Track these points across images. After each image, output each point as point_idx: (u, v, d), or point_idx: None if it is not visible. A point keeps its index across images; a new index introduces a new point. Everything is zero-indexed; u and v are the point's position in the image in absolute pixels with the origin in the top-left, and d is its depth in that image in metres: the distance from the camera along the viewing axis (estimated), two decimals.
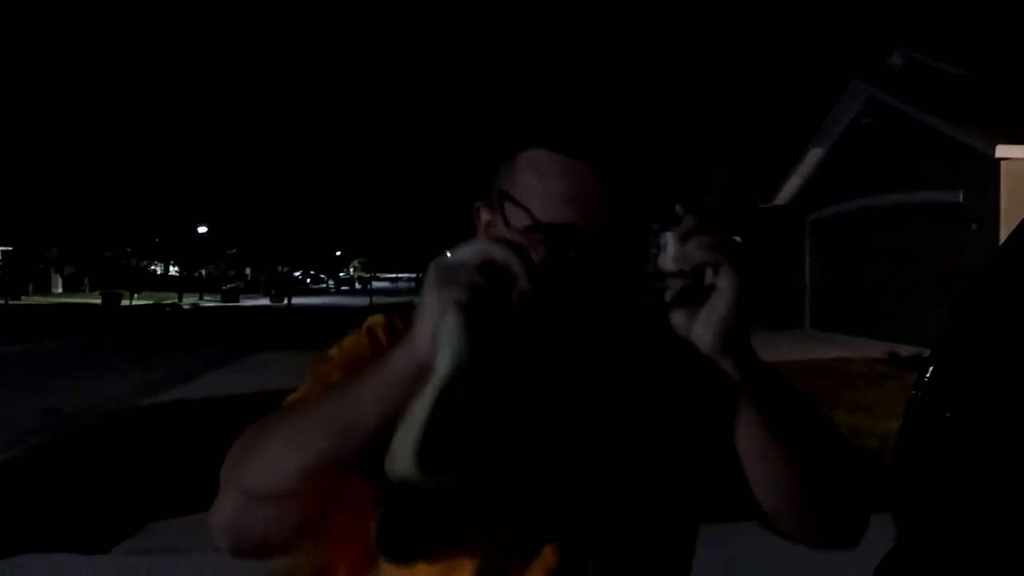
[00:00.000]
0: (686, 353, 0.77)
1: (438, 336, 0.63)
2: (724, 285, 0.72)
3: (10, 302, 35.99)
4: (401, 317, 0.88)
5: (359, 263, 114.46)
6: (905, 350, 10.24)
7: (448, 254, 0.68)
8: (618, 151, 0.82)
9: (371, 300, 38.59)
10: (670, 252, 0.75)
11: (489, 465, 0.65)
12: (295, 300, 40.86)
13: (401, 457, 0.60)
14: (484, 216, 0.88)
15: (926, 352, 1.68)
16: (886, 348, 10.97)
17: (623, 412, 0.85)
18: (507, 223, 0.82)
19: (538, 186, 0.80)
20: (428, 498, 0.61)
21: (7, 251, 43.50)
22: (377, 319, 0.89)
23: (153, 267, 60.19)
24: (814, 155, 15.79)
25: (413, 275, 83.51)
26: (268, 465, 0.71)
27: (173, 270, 59.02)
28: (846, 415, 6.68)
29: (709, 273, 0.73)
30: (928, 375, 1.51)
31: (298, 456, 0.69)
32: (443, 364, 0.62)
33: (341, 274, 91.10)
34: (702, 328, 0.73)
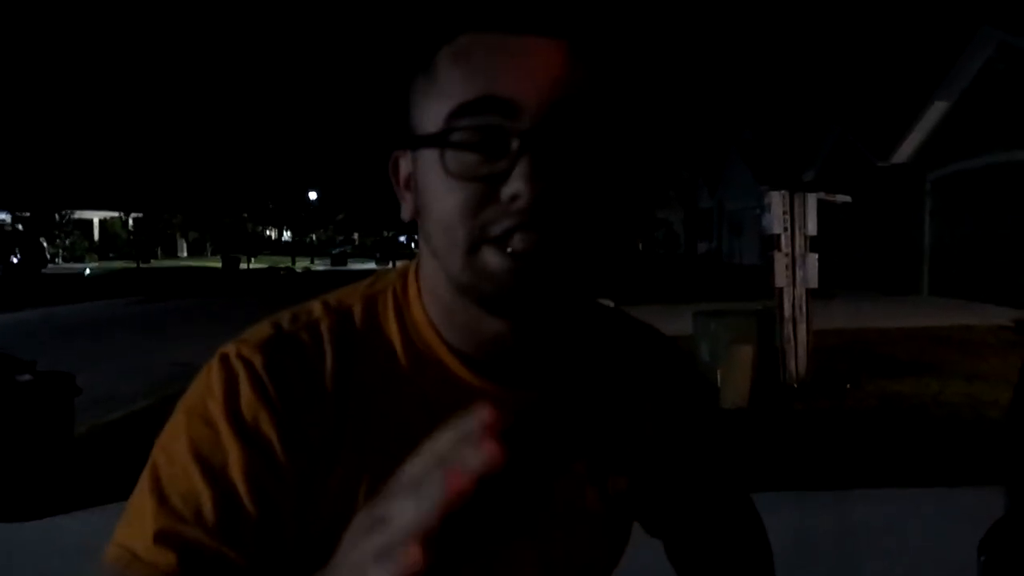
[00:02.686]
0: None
1: None
2: None
3: (141, 265, 38.68)
4: (259, 358, 0.60)
5: None
6: None
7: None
8: (562, 20, 0.59)
9: None
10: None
11: None
12: (400, 263, 42.04)
13: None
14: (404, 168, 0.63)
15: None
16: (1014, 315, 10.28)
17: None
18: (446, 167, 0.56)
19: (458, 69, 0.57)
20: None
21: (138, 217, 46.61)
22: (210, 385, 0.60)
23: (268, 232, 62.99)
24: (937, 108, 14.78)
25: None
26: None
27: (286, 235, 61.60)
28: (965, 385, 6.35)
29: None
30: None
31: None
32: None
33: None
34: None
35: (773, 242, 6.43)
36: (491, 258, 0.56)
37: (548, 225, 0.55)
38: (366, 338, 0.64)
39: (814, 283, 6.46)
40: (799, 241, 6.38)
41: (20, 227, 34.85)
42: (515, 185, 0.54)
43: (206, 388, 0.60)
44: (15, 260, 28.22)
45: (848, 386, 6.32)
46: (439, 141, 0.56)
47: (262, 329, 0.63)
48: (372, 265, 47.24)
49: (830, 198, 6.79)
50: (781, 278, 6.41)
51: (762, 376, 6.06)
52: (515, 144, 0.54)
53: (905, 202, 15.68)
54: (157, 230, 48.74)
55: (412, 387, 0.63)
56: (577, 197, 0.56)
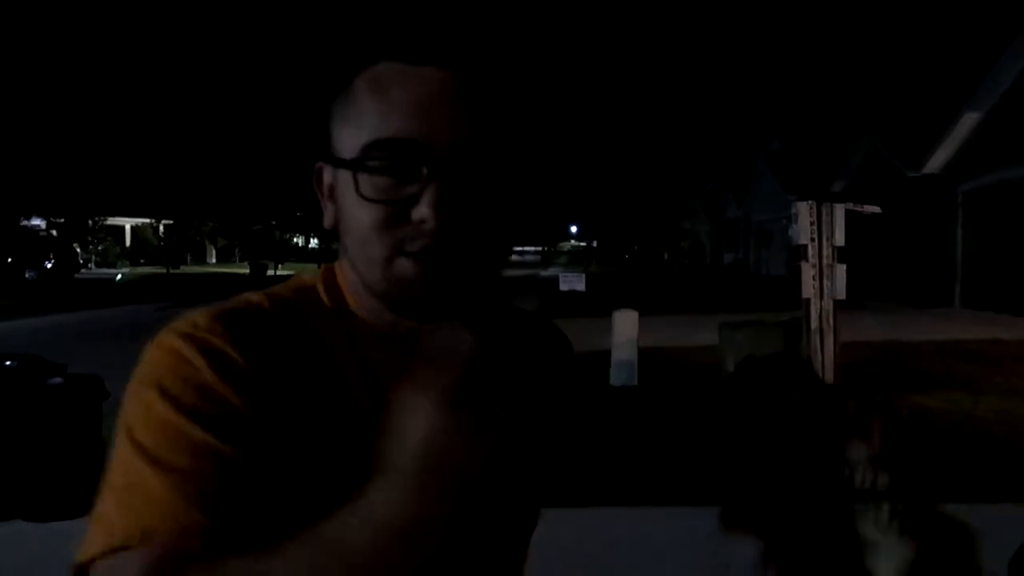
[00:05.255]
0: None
1: None
2: None
3: (171, 271, 39.27)
4: (216, 325, 0.63)
5: None
6: None
7: None
8: (473, 55, 0.65)
9: None
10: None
11: None
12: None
13: None
14: (326, 178, 0.71)
15: None
16: None
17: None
18: (357, 188, 0.63)
19: (375, 102, 0.64)
20: None
21: (168, 225, 47.33)
22: (175, 346, 0.62)
23: (295, 239, 63.65)
24: (969, 119, 14.55)
25: (539, 248, 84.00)
26: None
27: (313, 242, 62.20)
28: (998, 401, 6.22)
29: None
30: None
31: None
32: None
33: None
34: None
35: (800, 253, 6.36)
36: (404, 267, 0.63)
37: (451, 244, 0.62)
38: (306, 315, 0.69)
39: (842, 294, 6.38)
40: (827, 252, 6.31)
41: (54, 233, 35.55)
42: (422, 210, 0.61)
43: (169, 357, 0.61)
44: (49, 265, 28.78)
45: (876, 399, 6.22)
46: (354, 166, 0.63)
47: (199, 313, 0.65)
48: None
49: (858, 208, 6.71)
50: (808, 289, 6.34)
51: None
52: (424, 172, 0.62)
53: (936, 213, 15.45)
54: (187, 237, 49.44)
55: (351, 353, 0.68)
56: (476, 221, 0.63)
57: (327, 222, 0.70)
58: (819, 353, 6.33)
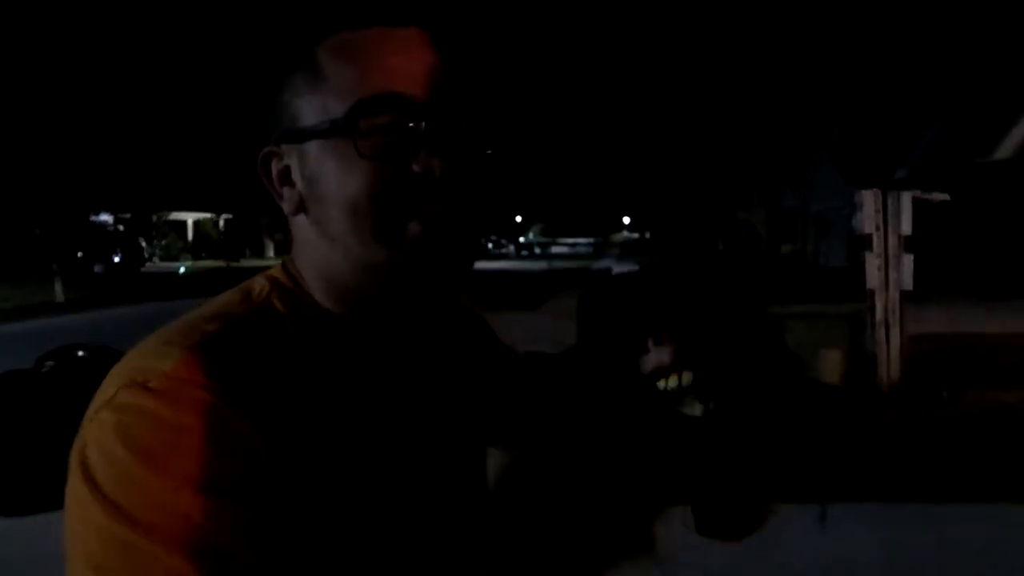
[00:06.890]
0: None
1: None
2: None
3: (231, 264, 40.28)
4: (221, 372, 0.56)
5: (538, 228, 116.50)
6: None
7: None
8: (446, 19, 0.66)
9: (550, 264, 39.23)
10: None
11: None
12: (478, 265, 42.51)
13: None
14: (278, 163, 0.65)
15: None
16: None
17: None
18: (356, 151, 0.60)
19: (351, 66, 0.61)
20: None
21: (229, 219, 48.54)
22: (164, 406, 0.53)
23: None
24: None
25: (591, 240, 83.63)
26: None
27: None
28: None
29: None
30: None
31: None
32: None
33: (521, 239, 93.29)
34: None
35: (862, 243, 6.17)
36: (413, 231, 0.60)
37: (456, 195, 0.61)
38: (277, 327, 0.64)
39: (909, 285, 6.17)
40: (892, 241, 6.10)
41: (121, 228, 36.80)
42: (427, 161, 0.59)
43: (144, 420, 0.52)
44: (116, 259, 29.82)
45: (945, 394, 6.01)
46: (348, 128, 0.59)
47: (166, 349, 0.57)
48: None
49: (925, 196, 6.47)
50: (873, 280, 6.14)
51: (852, 383, 5.83)
52: (421, 127, 0.60)
53: (1009, 200, 14.84)
54: (246, 231, 50.62)
55: (329, 363, 0.64)
56: (476, 172, 0.62)
57: (289, 208, 0.66)
58: (885, 347, 6.14)
